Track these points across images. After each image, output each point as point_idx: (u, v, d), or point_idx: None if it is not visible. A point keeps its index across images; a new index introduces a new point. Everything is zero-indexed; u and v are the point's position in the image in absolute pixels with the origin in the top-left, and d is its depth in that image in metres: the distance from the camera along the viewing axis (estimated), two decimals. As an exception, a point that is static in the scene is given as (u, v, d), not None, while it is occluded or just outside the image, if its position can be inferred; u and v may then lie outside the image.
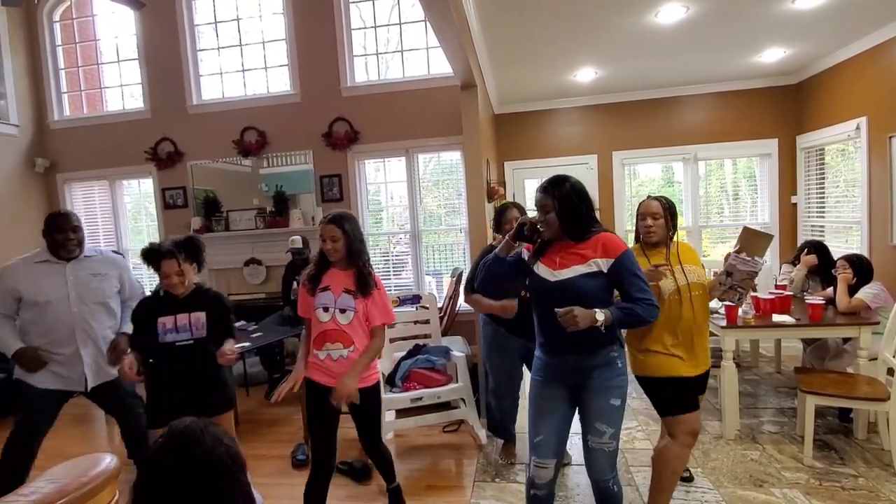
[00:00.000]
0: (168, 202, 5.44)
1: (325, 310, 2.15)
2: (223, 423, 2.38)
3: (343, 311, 2.15)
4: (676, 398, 2.08)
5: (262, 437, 3.58)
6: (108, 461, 1.16)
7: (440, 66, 4.92)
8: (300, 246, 4.21)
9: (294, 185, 5.19)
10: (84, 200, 5.79)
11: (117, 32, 5.61)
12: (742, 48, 3.85)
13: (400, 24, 5.08)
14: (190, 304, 2.30)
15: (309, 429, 2.26)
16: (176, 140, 5.36)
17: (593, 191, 5.02)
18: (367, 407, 2.21)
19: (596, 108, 4.98)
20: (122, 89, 5.67)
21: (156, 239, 5.58)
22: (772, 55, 4.02)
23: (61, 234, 2.49)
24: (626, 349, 2.13)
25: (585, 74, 4.21)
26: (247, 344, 3.67)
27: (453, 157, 5.15)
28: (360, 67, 5.18)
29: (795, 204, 4.75)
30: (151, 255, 2.24)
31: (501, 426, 2.98)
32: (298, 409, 3.43)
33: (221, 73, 5.41)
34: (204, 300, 2.35)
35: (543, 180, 1.88)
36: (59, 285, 2.50)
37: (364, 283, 2.17)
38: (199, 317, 2.29)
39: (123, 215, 5.75)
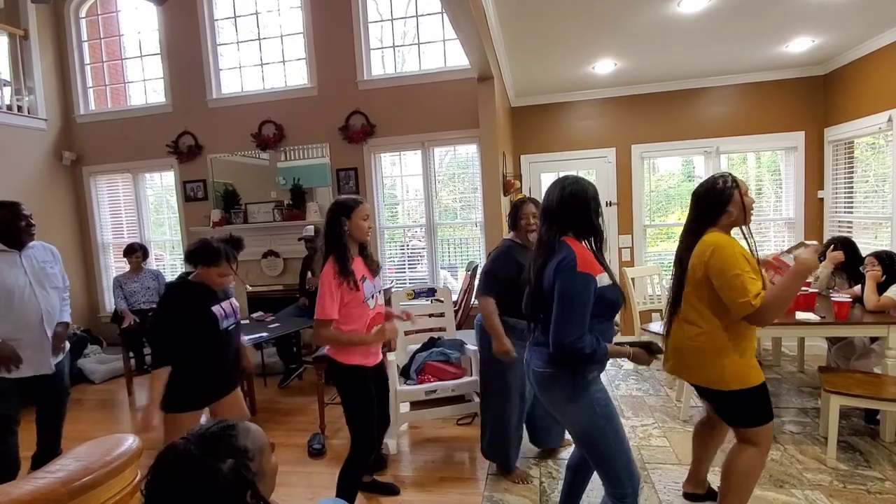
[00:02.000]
0: (189, 195, 5.54)
1: (372, 297, 2.22)
2: (237, 395, 2.52)
3: (380, 292, 2.30)
4: (769, 402, 1.94)
5: (279, 425, 3.64)
6: (130, 441, 1.19)
7: (456, 58, 4.89)
8: (311, 234, 4.25)
9: (311, 179, 5.23)
10: (108, 193, 5.93)
11: (140, 28, 5.71)
12: (768, 38, 3.74)
13: (417, 16, 5.06)
14: (219, 294, 2.39)
15: (365, 413, 2.22)
16: (196, 134, 5.44)
17: (611, 185, 4.94)
18: (384, 379, 2.41)
19: (615, 100, 4.90)
20: (145, 84, 5.78)
21: (177, 231, 5.69)
22: (799, 45, 3.89)
23: (23, 221, 2.54)
24: (701, 360, 1.92)
25: (605, 66, 4.14)
26: (263, 334, 3.73)
27: (469, 151, 5.12)
28: (376, 61, 5.18)
29: (822, 199, 4.61)
30: (212, 254, 2.24)
31: (512, 452, 2.74)
32: (315, 400, 3.47)
33: (240, 68, 5.47)
34: (224, 290, 2.44)
35: (572, 180, 1.77)
36: (19, 273, 2.53)
37: (375, 264, 2.30)
38: (234, 302, 2.44)
39: (146, 208, 5.87)
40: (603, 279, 1.65)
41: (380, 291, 2.29)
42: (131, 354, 4.58)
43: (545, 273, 1.71)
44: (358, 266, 2.19)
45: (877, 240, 4.05)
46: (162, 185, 5.85)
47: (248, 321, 4.09)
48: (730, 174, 1.97)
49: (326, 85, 5.14)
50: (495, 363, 2.57)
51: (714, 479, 2.51)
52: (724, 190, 1.92)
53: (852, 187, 4.32)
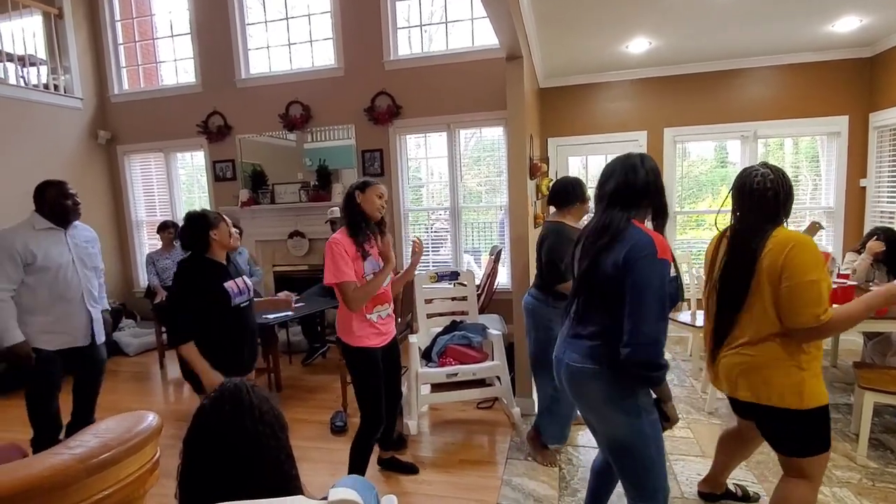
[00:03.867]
0: (218, 175, 5.63)
1: (374, 275, 2.25)
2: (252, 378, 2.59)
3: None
4: (829, 427, 1.70)
5: (303, 402, 3.73)
6: (150, 419, 1.21)
7: (484, 38, 4.80)
8: (338, 216, 4.27)
9: (336, 160, 5.25)
10: (142, 172, 6.08)
11: (171, 7, 5.76)
12: (814, 16, 3.54)
13: (445, -6, 4.97)
14: (231, 270, 2.42)
15: (375, 392, 2.30)
16: (225, 114, 5.50)
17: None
18: (395, 356, 2.47)
19: (648, 81, 4.74)
20: (176, 63, 5.85)
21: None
22: (847, 24, 3.68)
23: (70, 200, 2.61)
24: (764, 372, 1.68)
25: (639, 45, 4.00)
26: (289, 313, 3.80)
27: (495, 134, 5.05)
28: (402, 41, 5.12)
29: (864, 187, 4.41)
30: (206, 219, 2.31)
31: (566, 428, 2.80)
32: (338, 377, 3.54)
33: (268, 48, 5.48)
34: (235, 267, 2.49)
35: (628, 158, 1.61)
36: (64, 251, 2.62)
37: (383, 238, 2.33)
38: (247, 280, 2.46)
39: (178, 187, 5.99)
40: (672, 269, 1.45)
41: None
42: (163, 329, 4.73)
43: (608, 258, 1.47)
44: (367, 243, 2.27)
45: (922, 231, 3.86)
46: (193, 164, 5.96)
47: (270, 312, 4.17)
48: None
49: (353, 65, 5.12)
50: (547, 344, 2.60)
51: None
52: (790, 185, 1.72)
53: (897, 176, 4.12)
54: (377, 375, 2.30)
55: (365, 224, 2.23)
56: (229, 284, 2.32)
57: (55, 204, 2.58)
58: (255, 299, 2.56)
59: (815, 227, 2.80)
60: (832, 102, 4.42)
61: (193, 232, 2.30)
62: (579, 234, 1.69)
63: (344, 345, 2.29)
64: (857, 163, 4.43)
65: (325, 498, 1.02)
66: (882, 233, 3.29)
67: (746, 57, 4.46)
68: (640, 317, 1.39)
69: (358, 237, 2.19)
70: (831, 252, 2.19)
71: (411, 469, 2.68)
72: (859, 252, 3.46)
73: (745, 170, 1.78)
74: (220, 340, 2.30)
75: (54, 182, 2.62)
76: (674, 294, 1.48)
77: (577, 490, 2.48)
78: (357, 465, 2.35)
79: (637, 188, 1.54)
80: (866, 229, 4.16)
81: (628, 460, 1.56)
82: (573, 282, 1.67)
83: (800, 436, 1.69)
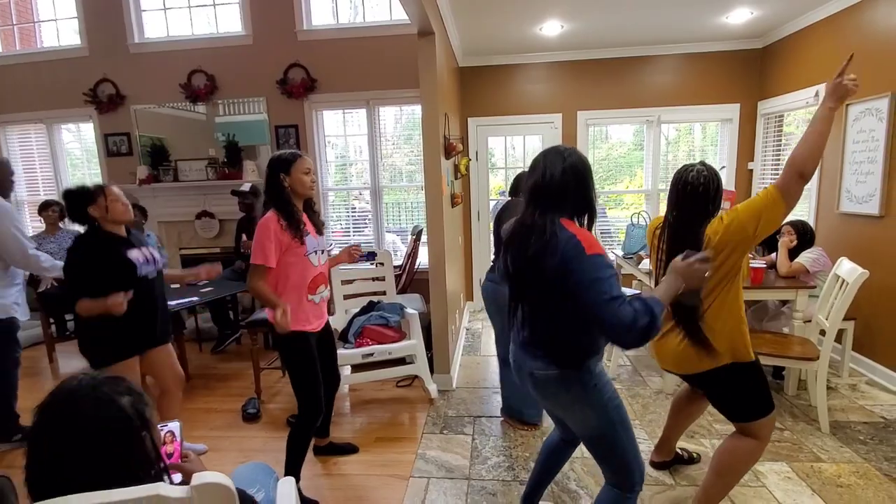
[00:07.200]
0: (111, 149, 5.11)
1: (315, 252, 2.16)
2: (169, 353, 2.53)
3: (324, 251, 2.25)
4: (766, 384, 1.87)
5: (213, 391, 3.55)
6: None
7: (403, 12, 4.67)
8: (246, 189, 4.03)
9: (248, 136, 4.93)
10: (21, 145, 5.39)
11: (49, -42, 5.10)
12: (711, 6, 3.77)
13: (362, -37, 4.77)
14: (133, 240, 2.32)
15: (310, 378, 2.18)
16: (117, 81, 4.98)
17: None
18: (331, 341, 2.42)
19: (563, 64, 4.86)
20: (57, 23, 5.19)
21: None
22: (739, 16, 3.96)
23: None
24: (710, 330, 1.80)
25: (552, 28, 4.07)
26: (195, 299, 3.57)
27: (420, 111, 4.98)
28: (317, 9, 4.86)
29: (752, 170, 4.83)
30: (80, 194, 2.18)
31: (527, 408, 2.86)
32: (250, 365, 3.39)
33: (165, 9, 4.99)
34: (138, 237, 2.39)
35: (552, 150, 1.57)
36: None
37: (319, 220, 2.27)
38: (152, 250, 2.38)
39: (63, 162, 5.38)
40: (608, 258, 1.45)
41: (323, 251, 2.24)
42: (51, 320, 4.29)
43: (545, 265, 1.44)
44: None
45: (795, 209, 4.30)
46: (80, 137, 5.37)
47: (178, 285, 3.90)
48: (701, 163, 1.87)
49: (263, 33, 4.80)
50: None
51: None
52: (720, 182, 1.85)
53: (780, 159, 4.54)
54: (313, 361, 2.19)
55: (294, 207, 2.11)
56: (134, 254, 2.23)
57: None
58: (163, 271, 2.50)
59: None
60: (726, 91, 4.77)
61: (71, 210, 2.20)
62: (508, 234, 1.63)
63: (275, 328, 2.13)
64: (746, 148, 4.83)
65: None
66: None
67: (652, 45, 4.68)
68: (600, 310, 1.35)
69: (291, 223, 2.05)
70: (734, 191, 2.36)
71: (352, 449, 2.69)
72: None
73: (683, 166, 1.87)
74: (130, 315, 2.19)
75: None
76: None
77: (488, 458, 2.57)
78: (295, 458, 2.23)
79: (552, 190, 1.49)
80: (752, 208, 4.56)
81: (603, 449, 1.59)
82: (510, 287, 1.63)
83: (735, 392, 1.84)
